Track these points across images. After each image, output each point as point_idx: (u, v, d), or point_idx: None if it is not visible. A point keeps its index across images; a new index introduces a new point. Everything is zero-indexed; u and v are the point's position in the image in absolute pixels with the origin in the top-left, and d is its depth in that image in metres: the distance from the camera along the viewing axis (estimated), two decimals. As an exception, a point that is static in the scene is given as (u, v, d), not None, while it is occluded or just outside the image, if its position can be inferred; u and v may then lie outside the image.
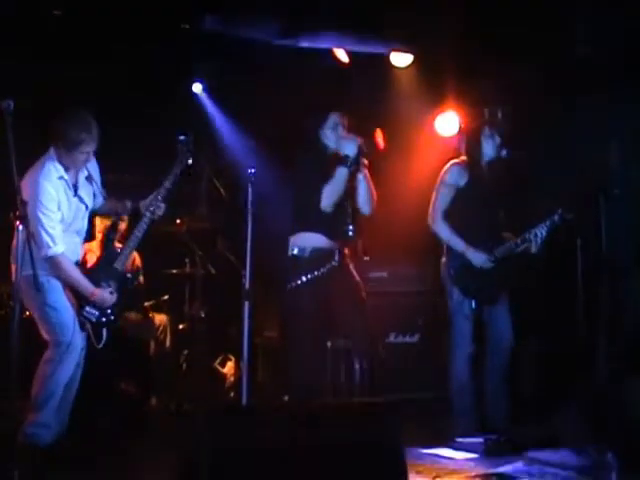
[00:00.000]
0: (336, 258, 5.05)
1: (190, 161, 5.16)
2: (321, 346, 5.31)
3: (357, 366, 5.30)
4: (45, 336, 4.77)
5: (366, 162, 5.10)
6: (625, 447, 4.56)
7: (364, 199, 5.15)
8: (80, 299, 4.88)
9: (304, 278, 4.98)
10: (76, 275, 4.87)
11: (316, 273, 4.98)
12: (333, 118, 5.16)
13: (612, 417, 5.04)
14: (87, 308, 4.89)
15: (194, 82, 7.24)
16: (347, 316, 5.04)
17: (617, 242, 5.62)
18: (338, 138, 5.10)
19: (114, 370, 5.80)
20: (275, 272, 5.45)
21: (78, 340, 4.76)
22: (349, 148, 5.00)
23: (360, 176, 5.11)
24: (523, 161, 5.51)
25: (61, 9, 6.12)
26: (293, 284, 5.01)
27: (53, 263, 4.75)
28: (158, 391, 6.47)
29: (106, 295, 4.93)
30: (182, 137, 5.14)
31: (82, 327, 4.83)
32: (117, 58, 6.45)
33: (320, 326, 5.03)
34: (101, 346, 4.92)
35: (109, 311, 4.96)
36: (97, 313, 4.92)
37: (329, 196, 4.99)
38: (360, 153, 5.02)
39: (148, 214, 5.01)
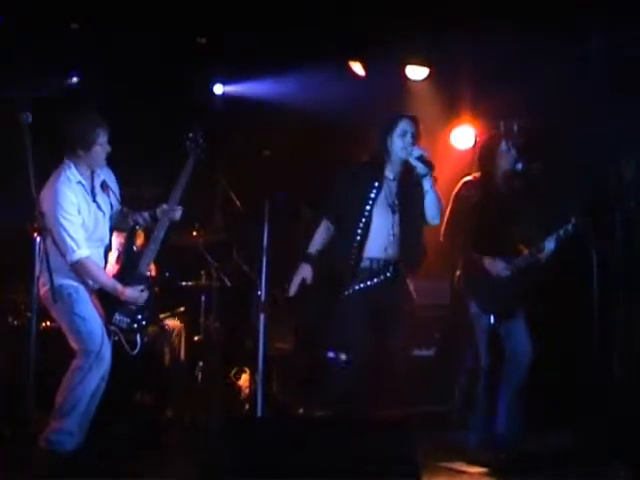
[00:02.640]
0: (391, 269, 5.04)
1: (202, 157, 5.17)
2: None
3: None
4: (73, 345, 4.79)
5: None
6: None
7: (436, 208, 5.09)
8: (109, 307, 4.90)
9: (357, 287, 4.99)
10: (104, 276, 4.92)
11: (369, 283, 5.00)
12: (403, 124, 5.08)
13: (627, 434, 5.03)
14: (117, 316, 4.92)
15: (214, 85, 7.25)
16: (396, 328, 5.04)
17: (633, 254, 5.61)
18: (406, 146, 5.03)
19: (129, 381, 5.80)
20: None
21: (106, 350, 4.78)
22: (416, 151, 4.96)
23: (431, 184, 5.03)
24: (539, 174, 5.49)
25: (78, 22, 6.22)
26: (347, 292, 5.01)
27: (79, 267, 4.79)
28: (173, 402, 6.47)
29: (137, 293, 4.96)
30: (191, 134, 5.16)
31: (112, 336, 4.85)
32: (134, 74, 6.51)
33: (369, 336, 4.99)
34: (136, 352, 4.95)
35: (139, 316, 4.98)
36: (128, 320, 4.95)
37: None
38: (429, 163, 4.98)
39: (166, 219, 5.04)
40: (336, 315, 5.13)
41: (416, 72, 7.06)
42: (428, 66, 7.03)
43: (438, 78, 7.09)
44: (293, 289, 5.07)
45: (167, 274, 5.62)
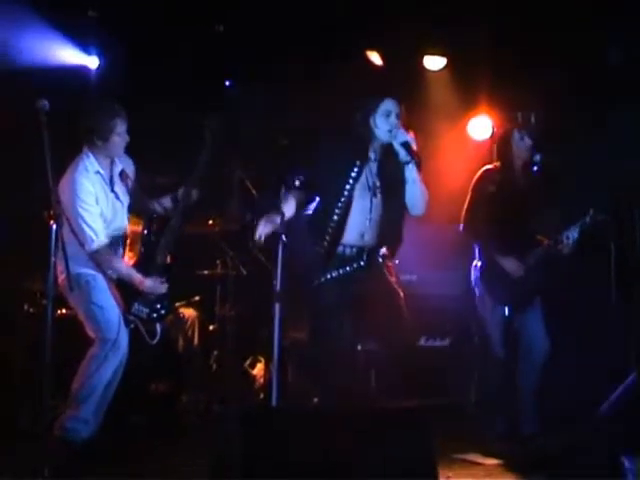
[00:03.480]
0: (364, 258, 4.83)
1: (219, 143, 5.15)
2: (349, 347, 5.19)
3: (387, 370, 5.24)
4: (90, 334, 4.81)
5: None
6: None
7: (417, 198, 4.85)
8: (128, 297, 4.91)
9: (330, 275, 4.79)
10: (123, 266, 4.93)
11: (341, 271, 4.80)
12: (386, 104, 4.83)
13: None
14: (136, 305, 4.93)
15: (227, 81, 7.21)
16: (378, 318, 4.81)
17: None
18: (392, 128, 4.78)
19: (144, 369, 5.81)
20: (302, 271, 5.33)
21: (123, 338, 4.79)
22: (401, 136, 4.73)
23: (414, 173, 4.79)
24: (556, 165, 5.47)
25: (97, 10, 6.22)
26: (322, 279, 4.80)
27: (98, 257, 4.80)
28: (188, 391, 6.48)
29: (156, 284, 4.96)
30: (207, 121, 5.14)
31: (130, 325, 4.86)
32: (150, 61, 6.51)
33: (347, 326, 4.84)
34: (155, 342, 4.96)
35: (158, 305, 5.00)
36: (147, 310, 4.96)
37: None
38: (413, 153, 4.74)
39: (181, 203, 5.04)
40: (310, 304, 4.96)
41: (434, 62, 7.03)
42: (445, 56, 6.99)
43: (455, 68, 7.05)
44: (259, 239, 4.72)
45: (178, 262, 5.59)
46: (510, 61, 6.56)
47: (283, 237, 4.58)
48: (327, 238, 4.77)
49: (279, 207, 4.71)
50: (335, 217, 4.76)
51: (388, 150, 4.83)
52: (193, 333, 6.80)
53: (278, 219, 4.66)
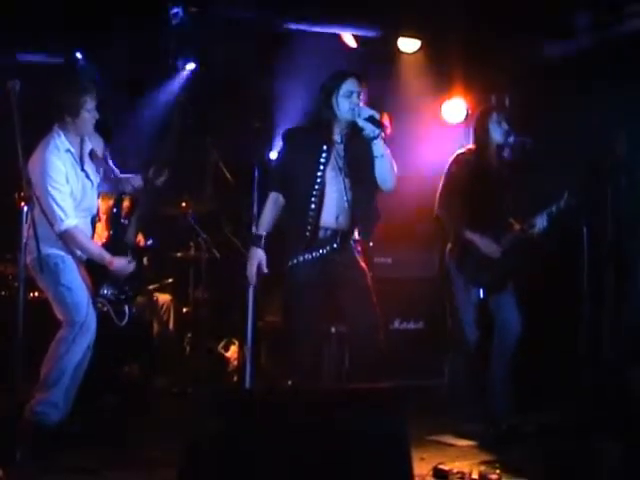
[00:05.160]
0: (337, 240, 4.77)
1: (189, 120, 5.13)
2: (320, 329, 5.14)
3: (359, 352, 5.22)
4: (59, 316, 4.77)
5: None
6: (628, 435, 4.57)
7: (387, 173, 4.75)
8: (96, 278, 4.88)
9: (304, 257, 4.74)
10: (92, 246, 4.89)
11: (314, 254, 4.74)
12: (348, 84, 4.72)
13: (615, 405, 5.05)
14: (105, 287, 4.91)
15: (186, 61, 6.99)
16: (348, 301, 4.77)
17: (623, 230, 5.61)
18: (353, 106, 4.68)
19: (117, 352, 5.79)
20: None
21: (92, 320, 4.75)
22: (366, 112, 4.62)
23: (381, 148, 4.69)
24: (530, 148, 5.48)
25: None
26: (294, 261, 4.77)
27: (68, 237, 4.75)
28: (161, 374, 6.48)
29: (124, 262, 4.94)
30: (179, 97, 5.11)
31: (99, 307, 4.84)
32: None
33: (319, 308, 4.83)
34: (124, 323, 4.94)
35: (127, 287, 4.98)
36: (115, 291, 4.94)
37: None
38: (380, 124, 4.64)
39: (151, 182, 5.03)
40: (283, 286, 4.90)
41: (408, 44, 7.01)
42: (420, 38, 6.97)
43: (430, 51, 7.03)
44: (252, 279, 4.80)
45: (150, 242, 5.56)
46: (485, 43, 6.56)
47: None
48: (309, 226, 4.71)
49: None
50: (312, 206, 4.71)
51: (353, 130, 4.76)
52: (168, 318, 6.79)
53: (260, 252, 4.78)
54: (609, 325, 5.56)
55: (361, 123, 4.66)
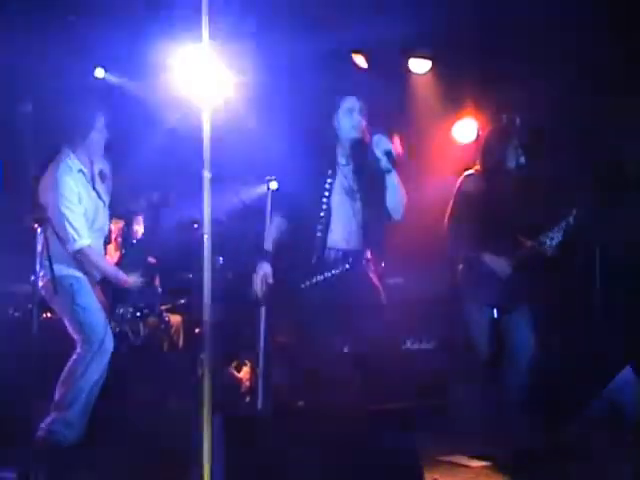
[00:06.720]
0: (350, 260, 4.79)
1: None
2: (334, 349, 5.15)
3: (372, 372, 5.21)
4: (75, 337, 4.78)
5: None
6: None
7: (398, 204, 4.79)
8: (112, 297, 4.90)
9: (316, 279, 4.75)
10: (107, 265, 4.92)
11: (327, 275, 4.75)
12: (348, 102, 4.70)
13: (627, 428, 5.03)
14: (120, 306, 4.92)
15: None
16: (362, 321, 4.75)
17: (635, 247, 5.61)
18: (355, 124, 4.68)
19: (129, 373, 5.80)
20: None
21: (109, 340, 4.77)
22: (384, 144, 4.61)
23: (395, 180, 4.72)
24: (541, 167, 5.48)
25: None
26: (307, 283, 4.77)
27: (82, 256, 4.78)
28: (174, 395, 6.46)
29: (139, 280, 4.97)
30: None
31: (116, 327, 4.86)
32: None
33: (333, 328, 4.81)
34: (140, 342, 4.96)
35: (142, 304, 4.99)
36: (131, 309, 4.96)
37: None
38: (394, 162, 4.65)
39: (158, 205, 5.06)
40: (295, 307, 4.91)
41: (419, 65, 7.04)
42: (431, 59, 7.01)
43: (441, 71, 7.06)
44: (259, 291, 4.80)
45: (154, 260, 5.55)
46: (495, 64, 6.58)
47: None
48: (316, 249, 4.73)
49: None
50: (319, 234, 4.72)
51: (358, 151, 4.77)
52: (178, 338, 6.79)
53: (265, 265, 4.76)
54: (621, 341, 5.53)
55: (378, 154, 4.67)
